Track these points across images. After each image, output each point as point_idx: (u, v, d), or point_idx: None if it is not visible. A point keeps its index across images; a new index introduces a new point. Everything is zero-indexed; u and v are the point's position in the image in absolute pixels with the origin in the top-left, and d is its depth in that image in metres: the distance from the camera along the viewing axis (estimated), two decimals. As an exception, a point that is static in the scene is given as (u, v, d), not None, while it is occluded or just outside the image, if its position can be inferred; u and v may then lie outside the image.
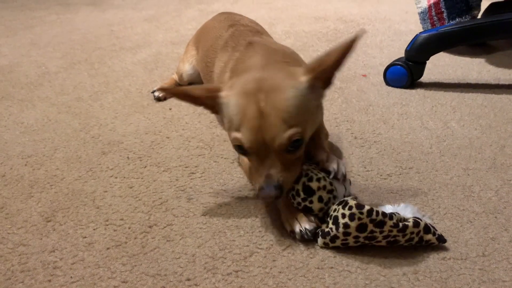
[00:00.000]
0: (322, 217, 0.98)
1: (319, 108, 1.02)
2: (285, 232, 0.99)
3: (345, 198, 0.94)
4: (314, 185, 0.95)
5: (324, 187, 0.96)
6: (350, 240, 0.91)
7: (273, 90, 0.91)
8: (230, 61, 1.21)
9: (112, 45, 2.37)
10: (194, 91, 0.99)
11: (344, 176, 1.02)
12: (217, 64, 1.32)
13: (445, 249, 0.94)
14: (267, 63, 1.03)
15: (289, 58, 1.11)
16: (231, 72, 1.15)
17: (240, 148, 0.94)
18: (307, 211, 0.98)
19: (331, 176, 0.99)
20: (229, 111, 0.94)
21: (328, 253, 0.93)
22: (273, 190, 0.89)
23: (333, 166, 1.01)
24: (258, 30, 1.43)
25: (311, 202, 0.96)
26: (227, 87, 0.97)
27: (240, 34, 1.35)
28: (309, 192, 0.95)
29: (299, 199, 0.96)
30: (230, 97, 0.95)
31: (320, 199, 0.96)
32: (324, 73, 0.93)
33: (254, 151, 0.92)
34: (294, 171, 0.95)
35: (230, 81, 1.02)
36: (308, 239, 0.96)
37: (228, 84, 0.99)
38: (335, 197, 0.97)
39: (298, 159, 0.97)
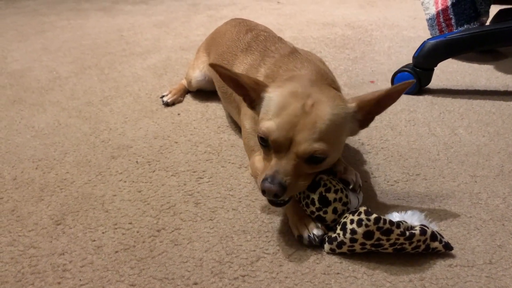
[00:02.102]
0: (332, 227, 0.98)
1: (344, 142, 1.03)
2: (291, 237, 1.00)
3: (358, 208, 0.94)
4: (331, 196, 0.96)
5: (340, 199, 0.96)
6: (357, 247, 0.91)
7: (321, 102, 0.92)
8: (262, 64, 1.23)
9: (122, 50, 2.40)
10: (243, 78, 0.99)
11: (360, 188, 1.03)
12: (238, 66, 1.34)
13: (452, 256, 0.94)
14: (318, 80, 1.05)
15: (336, 86, 1.13)
16: (268, 75, 1.16)
17: (263, 140, 0.94)
18: (320, 221, 0.98)
19: (350, 187, 1.00)
20: (271, 104, 0.95)
21: (334, 258, 0.94)
22: (276, 186, 0.89)
23: (351, 178, 1.02)
24: (279, 36, 1.44)
25: (325, 212, 0.96)
26: (274, 85, 1.00)
27: (266, 39, 1.36)
28: (325, 202, 0.96)
29: (313, 208, 0.97)
30: (277, 93, 0.96)
31: (335, 211, 0.96)
32: (368, 105, 0.95)
33: (276, 146, 0.92)
34: (303, 182, 0.95)
35: (277, 82, 1.04)
36: (315, 245, 0.96)
37: (276, 83, 1.01)
38: (348, 209, 0.97)
39: (313, 174, 0.97)
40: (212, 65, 1.00)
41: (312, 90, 0.95)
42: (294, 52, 1.22)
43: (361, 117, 0.97)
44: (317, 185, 0.97)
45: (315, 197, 0.96)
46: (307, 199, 0.97)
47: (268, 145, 0.93)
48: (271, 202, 0.96)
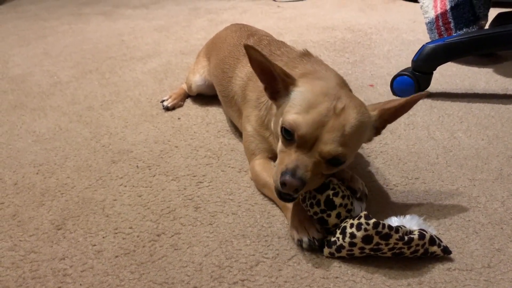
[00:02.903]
0: (332, 231, 0.98)
1: None
2: (290, 241, 1.01)
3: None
4: (337, 200, 0.96)
5: (346, 205, 0.97)
6: (356, 251, 0.92)
7: (350, 107, 0.93)
8: None
9: (123, 55, 2.41)
10: (275, 66, 0.98)
11: (366, 197, 1.04)
12: (240, 69, 1.35)
13: (450, 260, 0.94)
14: (342, 84, 1.06)
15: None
16: None
17: (288, 132, 0.93)
18: (321, 223, 0.98)
19: (357, 195, 1.01)
20: (300, 98, 0.95)
21: (333, 262, 0.94)
22: (297, 180, 0.88)
23: (358, 186, 1.03)
24: (282, 41, 1.44)
25: (329, 215, 0.96)
26: (303, 81, 1.00)
27: (270, 43, 1.37)
28: (331, 206, 0.96)
29: (317, 209, 0.97)
30: (307, 88, 0.97)
31: (338, 216, 0.96)
32: (387, 113, 0.98)
33: (301, 142, 0.91)
34: (317, 181, 0.95)
35: (305, 78, 1.03)
36: (315, 249, 0.97)
37: (305, 79, 1.01)
38: (351, 217, 0.97)
39: (326, 175, 0.97)
40: (247, 47, 0.97)
41: (341, 93, 0.96)
42: (307, 54, 1.24)
43: (379, 124, 1.00)
44: (325, 187, 0.96)
45: (322, 198, 0.96)
46: (313, 199, 0.97)
47: (292, 138, 0.92)
48: (282, 195, 0.93)
